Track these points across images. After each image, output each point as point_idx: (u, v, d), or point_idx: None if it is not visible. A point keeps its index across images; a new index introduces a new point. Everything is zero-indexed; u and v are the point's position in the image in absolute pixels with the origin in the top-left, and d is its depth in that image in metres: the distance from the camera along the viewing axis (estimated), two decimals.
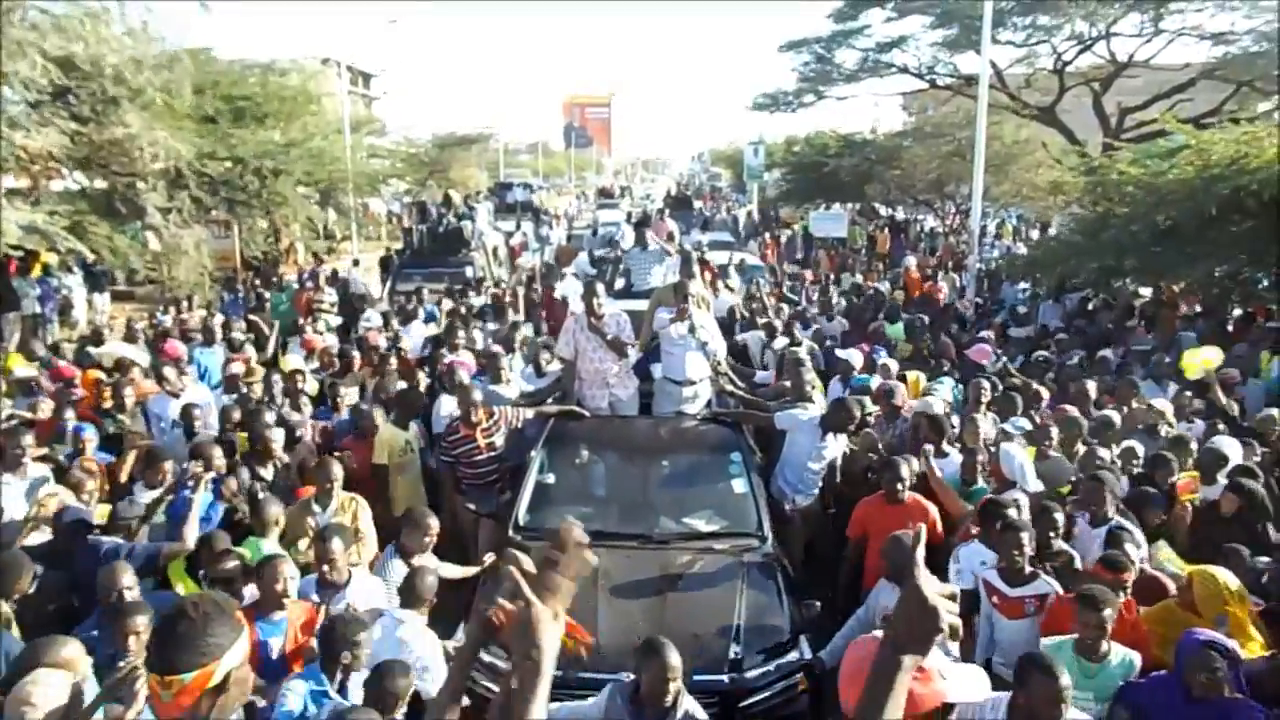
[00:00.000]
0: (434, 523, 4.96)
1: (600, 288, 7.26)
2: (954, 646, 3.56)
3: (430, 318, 11.62)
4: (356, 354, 8.88)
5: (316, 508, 5.41)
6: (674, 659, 3.58)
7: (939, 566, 4.95)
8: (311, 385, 8.06)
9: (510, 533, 5.58)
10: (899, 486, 5.51)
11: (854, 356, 8.66)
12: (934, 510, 5.53)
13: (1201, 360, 7.97)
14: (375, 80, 53.38)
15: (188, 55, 16.18)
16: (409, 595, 4.33)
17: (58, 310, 15.24)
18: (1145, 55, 21.16)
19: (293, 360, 9.10)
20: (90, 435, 6.44)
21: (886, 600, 4.70)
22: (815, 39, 25.46)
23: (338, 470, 5.51)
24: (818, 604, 5.03)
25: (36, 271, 15.32)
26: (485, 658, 4.40)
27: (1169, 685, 3.60)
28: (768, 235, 27.23)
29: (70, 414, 6.78)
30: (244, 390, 7.76)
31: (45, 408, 7.09)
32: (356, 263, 19.12)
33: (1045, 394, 7.61)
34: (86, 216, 13.58)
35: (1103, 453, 6.05)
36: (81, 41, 12.30)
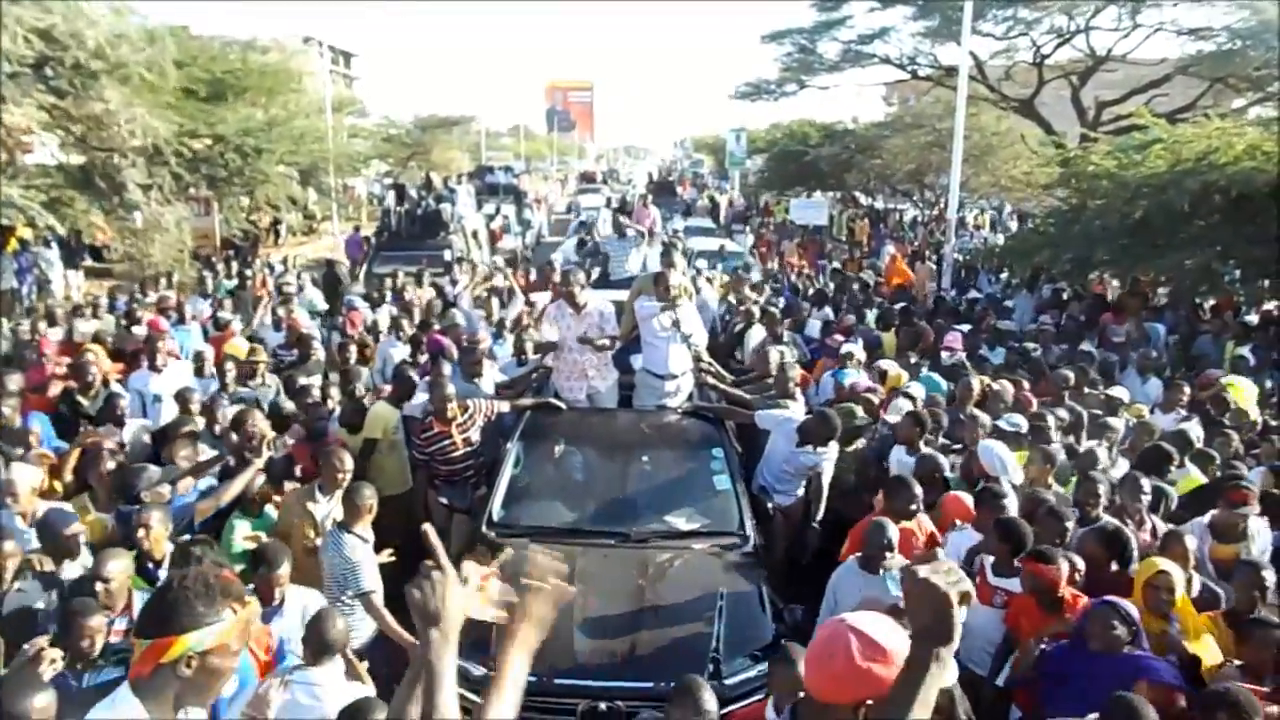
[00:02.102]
0: (369, 493, 4.76)
1: (581, 276, 7.02)
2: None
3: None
4: (316, 340, 8.71)
5: (321, 496, 5.15)
6: (709, 703, 3.43)
7: None
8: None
9: (484, 529, 5.39)
10: (914, 507, 5.06)
11: (856, 350, 8.37)
12: (930, 525, 5.24)
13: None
14: (356, 60, 52.96)
15: (168, 31, 16.04)
16: (317, 645, 3.67)
17: (36, 286, 15.14)
18: (1123, 50, 21.42)
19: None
20: (36, 427, 6.11)
21: (849, 588, 4.57)
22: (798, 29, 25.57)
23: (349, 461, 5.20)
24: (800, 609, 4.82)
25: (12, 246, 15.22)
26: (457, 662, 4.39)
27: (1075, 645, 3.82)
28: (762, 229, 27.14)
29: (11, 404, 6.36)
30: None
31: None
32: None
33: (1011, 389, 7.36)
34: (65, 191, 13.49)
35: (1100, 454, 5.89)
36: (60, 14, 12.18)
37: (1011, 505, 4.99)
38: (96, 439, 5.68)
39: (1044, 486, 5.40)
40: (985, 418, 6.31)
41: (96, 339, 8.68)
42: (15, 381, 6.65)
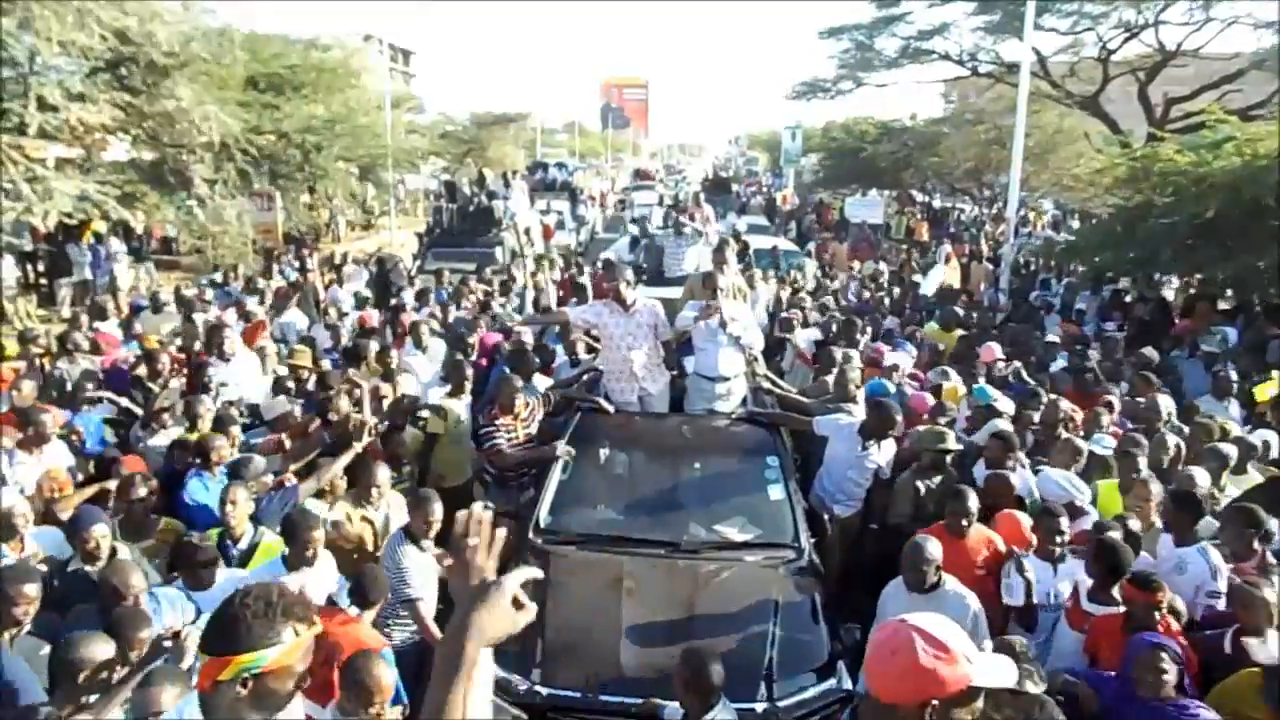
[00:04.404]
0: (436, 508, 4.68)
1: (629, 274, 6.86)
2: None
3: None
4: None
5: (368, 505, 5.23)
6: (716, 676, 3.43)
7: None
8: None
9: (531, 535, 5.25)
10: (964, 521, 4.91)
11: (902, 360, 8.07)
12: (1000, 543, 4.94)
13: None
14: (415, 58, 53.71)
15: (234, 27, 16.50)
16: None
17: (108, 278, 15.69)
18: (1194, 44, 20.69)
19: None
20: (81, 427, 6.05)
21: (897, 609, 4.19)
22: (856, 26, 25.24)
23: (383, 475, 5.25)
24: (857, 627, 4.53)
25: (86, 239, 15.82)
26: (499, 674, 4.12)
27: (1117, 682, 3.61)
28: (814, 227, 26.78)
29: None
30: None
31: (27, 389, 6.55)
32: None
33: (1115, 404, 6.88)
34: (137, 186, 13.97)
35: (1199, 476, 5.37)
36: (135, 15, 12.59)
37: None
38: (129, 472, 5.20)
39: (1145, 523, 5.02)
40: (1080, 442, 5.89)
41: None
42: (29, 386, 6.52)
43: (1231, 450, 5.83)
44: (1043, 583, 4.53)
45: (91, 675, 3.23)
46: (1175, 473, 5.54)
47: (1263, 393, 7.40)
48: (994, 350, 8.39)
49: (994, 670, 1.83)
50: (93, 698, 3.21)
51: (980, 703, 1.81)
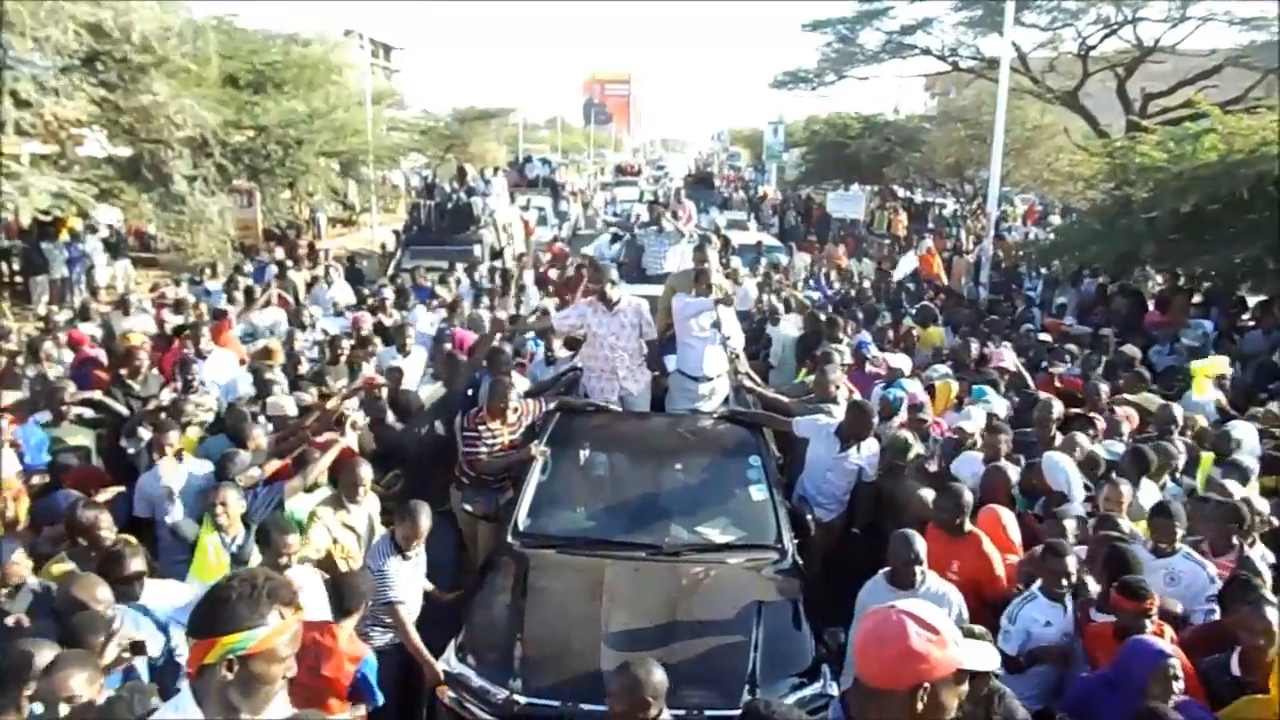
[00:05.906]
0: (423, 521, 4.59)
1: (614, 273, 6.74)
2: None
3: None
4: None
5: (351, 506, 5.07)
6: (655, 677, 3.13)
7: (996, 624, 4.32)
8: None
9: (509, 538, 5.14)
10: (958, 520, 4.73)
11: (903, 362, 7.70)
12: (996, 554, 4.70)
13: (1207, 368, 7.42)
14: (396, 53, 53.36)
15: (211, 24, 16.34)
16: None
17: (84, 275, 15.50)
18: (1172, 40, 20.90)
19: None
20: (20, 437, 5.81)
21: (879, 604, 4.16)
22: (839, 19, 25.38)
23: (365, 472, 5.08)
24: (842, 631, 4.36)
25: (63, 237, 15.62)
26: (476, 682, 4.12)
27: (1117, 690, 3.51)
28: (799, 224, 26.71)
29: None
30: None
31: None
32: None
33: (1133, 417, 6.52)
34: (114, 183, 13.81)
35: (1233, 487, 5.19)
36: (110, 9, 12.44)
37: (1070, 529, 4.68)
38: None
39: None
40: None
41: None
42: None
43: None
44: (1054, 624, 4.23)
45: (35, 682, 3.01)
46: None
47: (1200, 374, 7.31)
48: (1004, 355, 8.11)
49: (980, 654, 1.90)
50: (37, 706, 2.96)
51: (966, 686, 1.85)
